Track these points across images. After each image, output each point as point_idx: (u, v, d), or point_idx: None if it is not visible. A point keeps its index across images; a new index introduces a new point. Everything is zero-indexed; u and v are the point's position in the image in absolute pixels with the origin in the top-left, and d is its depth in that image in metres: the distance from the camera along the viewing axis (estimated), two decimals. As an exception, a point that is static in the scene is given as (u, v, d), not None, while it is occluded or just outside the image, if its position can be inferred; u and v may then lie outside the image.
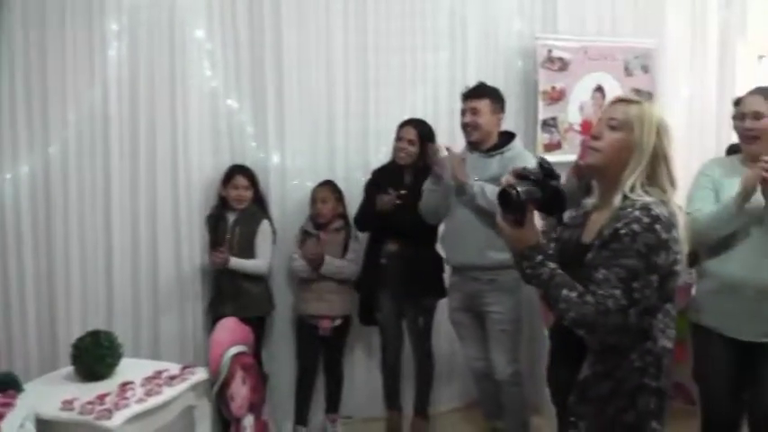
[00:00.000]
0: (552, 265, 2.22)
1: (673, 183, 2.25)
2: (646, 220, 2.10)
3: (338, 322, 4.66)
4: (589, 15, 5.55)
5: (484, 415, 4.64)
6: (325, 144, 4.94)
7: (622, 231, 2.11)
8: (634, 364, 2.17)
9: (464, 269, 4.15)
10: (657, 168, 2.22)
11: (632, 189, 2.19)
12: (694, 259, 3.73)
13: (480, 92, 4.15)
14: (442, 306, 4.58)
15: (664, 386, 2.22)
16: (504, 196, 2.20)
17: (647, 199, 2.16)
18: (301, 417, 4.74)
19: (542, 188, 2.21)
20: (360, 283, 4.67)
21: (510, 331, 4.13)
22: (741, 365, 3.37)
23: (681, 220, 2.22)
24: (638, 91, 5.41)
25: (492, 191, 3.66)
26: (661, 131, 2.23)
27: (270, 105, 4.79)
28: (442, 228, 4.39)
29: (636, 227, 2.10)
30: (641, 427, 2.21)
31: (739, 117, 3.41)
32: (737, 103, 3.50)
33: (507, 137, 4.18)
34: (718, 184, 3.40)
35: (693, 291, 3.62)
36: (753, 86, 3.54)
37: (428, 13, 5.10)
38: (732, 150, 3.86)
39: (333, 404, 4.82)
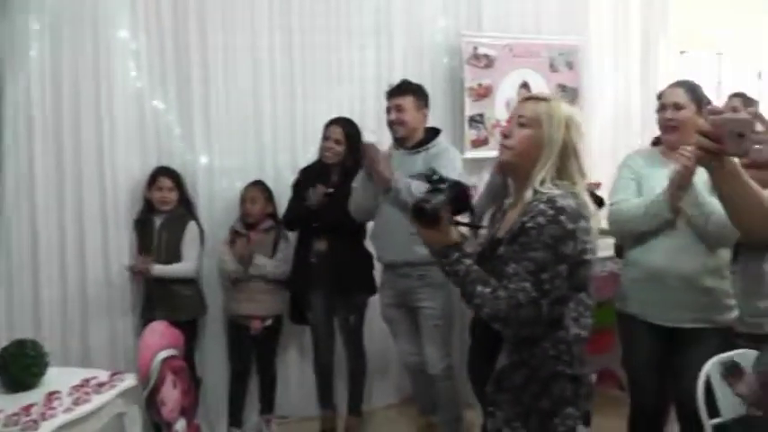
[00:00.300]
0: (468, 261, 2.27)
1: (583, 175, 2.29)
2: (550, 212, 2.15)
3: (269, 322, 4.65)
4: (513, 13, 5.62)
5: (418, 410, 4.69)
6: (253, 144, 4.92)
7: (529, 225, 2.16)
8: (548, 353, 2.21)
9: (394, 266, 4.18)
10: (567, 162, 2.27)
11: (542, 183, 2.24)
12: (621, 250, 3.83)
13: (404, 89, 4.18)
14: (374, 303, 4.61)
15: (578, 373, 2.26)
16: (419, 212, 2.29)
17: (554, 192, 2.20)
18: (235, 418, 4.72)
19: (444, 192, 2.32)
20: (290, 282, 4.67)
21: (442, 326, 4.17)
22: (666, 351, 3.48)
23: (593, 211, 2.27)
24: (563, 87, 5.51)
25: (417, 187, 3.69)
26: (570, 126, 2.28)
27: (196, 106, 4.76)
28: (371, 225, 4.41)
29: (541, 219, 2.15)
30: (557, 413, 2.24)
31: (661, 108, 3.51)
32: (661, 96, 3.60)
33: (432, 133, 4.23)
34: (639, 175, 3.50)
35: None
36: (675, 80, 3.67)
37: (353, 11, 5.12)
38: (657, 143, 3.96)
39: (267, 405, 4.81)
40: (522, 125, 2.31)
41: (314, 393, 4.85)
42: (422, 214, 2.29)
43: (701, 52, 6.62)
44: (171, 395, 3.62)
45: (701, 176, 3.15)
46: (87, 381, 3.33)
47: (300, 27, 4.98)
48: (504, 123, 5.23)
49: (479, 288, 2.20)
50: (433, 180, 2.37)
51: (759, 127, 1.74)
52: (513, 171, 2.39)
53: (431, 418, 4.54)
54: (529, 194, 2.25)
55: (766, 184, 1.90)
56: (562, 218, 2.14)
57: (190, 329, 4.42)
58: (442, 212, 2.28)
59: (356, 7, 5.12)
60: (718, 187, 1.94)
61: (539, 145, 2.27)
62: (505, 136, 2.35)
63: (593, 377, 3.62)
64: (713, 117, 1.79)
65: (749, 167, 1.82)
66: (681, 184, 3.23)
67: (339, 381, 4.86)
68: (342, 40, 5.10)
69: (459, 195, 2.38)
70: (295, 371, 5.05)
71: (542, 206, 2.17)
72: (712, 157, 1.81)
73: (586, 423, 3.25)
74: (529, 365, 2.23)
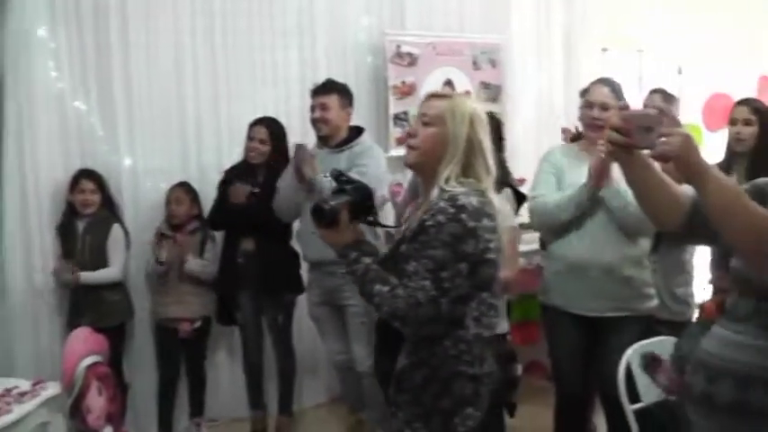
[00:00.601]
0: (367, 260, 2.27)
1: (489, 171, 2.30)
2: (451, 210, 2.15)
3: (198, 324, 4.61)
4: (436, 11, 5.67)
5: (348, 408, 4.70)
6: (177, 145, 4.87)
7: (428, 223, 2.17)
8: (449, 352, 2.22)
9: (320, 264, 4.17)
10: (473, 159, 2.28)
11: (447, 181, 2.24)
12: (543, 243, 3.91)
13: (328, 87, 4.20)
14: (301, 302, 4.61)
15: (479, 372, 2.26)
16: (318, 212, 2.31)
17: (457, 189, 2.21)
18: (165, 423, 4.67)
19: (348, 193, 2.35)
20: (218, 283, 4.63)
21: (368, 323, 4.17)
22: (590, 341, 3.57)
23: (502, 208, 2.29)
24: (486, 85, 5.58)
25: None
26: (475, 122, 2.28)
27: (119, 106, 4.68)
28: (297, 224, 4.41)
29: (441, 217, 2.15)
30: (457, 413, 2.24)
31: (587, 106, 3.56)
32: (586, 93, 3.65)
33: (356, 132, 4.25)
34: (559, 170, 3.57)
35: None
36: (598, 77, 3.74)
37: (276, 11, 5.11)
38: (576, 138, 4.03)
39: (197, 407, 4.76)
40: (426, 124, 2.32)
41: (244, 395, 4.81)
42: (321, 215, 2.30)
43: (623, 49, 6.74)
44: (96, 402, 3.55)
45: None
46: (9, 390, 3.27)
47: (223, 27, 4.95)
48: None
49: (378, 287, 2.21)
50: (340, 180, 2.39)
51: (666, 122, 1.79)
52: (420, 170, 2.41)
53: (360, 416, 4.55)
54: (435, 193, 2.25)
55: (674, 177, 1.96)
56: (463, 216, 2.15)
57: (117, 334, 4.36)
58: (341, 213, 2.29)
59: (279, 7, 5.11)
60: (629, 180, 1.99)
61: (443, 143, 2.27)
62: (411, 135, 2.36)
63: (519, 368, 3.71)
64: (623, 113, 1.86)
65: (656, 160, 1.88)
66: (599, 174, 3.30)
67: (269, 381, 4.84)
68: (265, 40, 5.09)
69: (363, 196, 2.38)
70: (224, 372, 5.01)
71: (443, 204, 2.17)
72: (623, 150, 1.87)
73: (511, 414, 3.31)
74: (429, 365, 2.23)
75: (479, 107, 2.38)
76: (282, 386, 4.79)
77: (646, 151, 1.87)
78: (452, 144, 2.26)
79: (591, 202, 3.41)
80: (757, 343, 1.89)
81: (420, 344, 2.23)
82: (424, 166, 2.33)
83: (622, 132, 1.83)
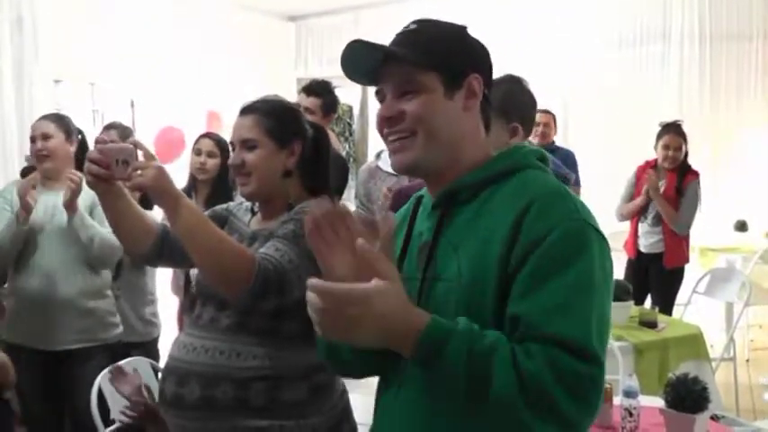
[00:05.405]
0: None
1: None
2: None
3: None
4: None
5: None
6: None
7: None
8: None
9: None
10: None
11: None
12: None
13: None
14: None
15: None
16: None
17: None
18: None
19: None
20: None
21: None
22: (59, 375, 3.56)
23: None
24: None
25: None
26: None
27: None
28: None
29: None
30: None
31: (32, 140, 3.59)
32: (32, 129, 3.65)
33: None
34: (14, 204, 3.51)
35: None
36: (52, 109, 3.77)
37: None
38: (26, 172, 3.99)
39: None
40: None
41: None
42: None
43: (76, 81, 6.77)
44: None
45: (84, 201, 3.36)
46: None
47: None
48: None
49: None
50: None
51: (140, 155, 1.99)
52: None
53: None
54: None
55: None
56: None
57: None
58: None
59: None
60: (105, 207, 2.15)
61: None
62: None
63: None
64: (100, 146, 2.01)
65: (132, 190, 2.07)
66: (70, 204, 3.34)
67: None
68: None
69: None
70: None
71: None
72: (102, 181, 2.02)
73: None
74: None
75: None
76: None
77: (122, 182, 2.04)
78: None
79: (25, 232, 3.43)
80: (218, 345, 2.17)
81: None
82: None
83: (101, 165, 1.99)
